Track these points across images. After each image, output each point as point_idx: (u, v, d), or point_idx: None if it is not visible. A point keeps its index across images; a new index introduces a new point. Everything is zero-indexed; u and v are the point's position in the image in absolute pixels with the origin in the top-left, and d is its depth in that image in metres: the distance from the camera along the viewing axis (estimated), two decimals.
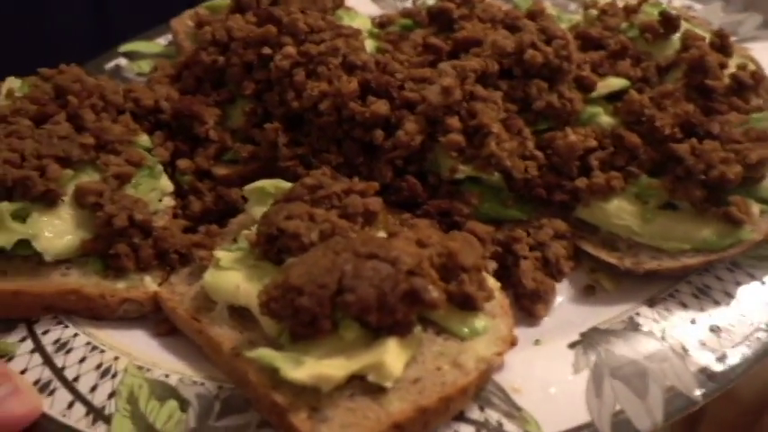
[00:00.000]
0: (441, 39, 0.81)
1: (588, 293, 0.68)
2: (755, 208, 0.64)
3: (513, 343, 0.60)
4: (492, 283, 0.63)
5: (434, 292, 0.55)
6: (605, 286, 0.68)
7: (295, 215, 0.61)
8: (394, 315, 0.54)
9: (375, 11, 0.98)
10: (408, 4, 0.98)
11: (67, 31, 1.30)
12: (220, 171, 0.76)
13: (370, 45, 0.84)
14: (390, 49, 0.82)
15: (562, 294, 0.68)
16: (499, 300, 0.62)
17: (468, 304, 0.59)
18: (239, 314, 0.62)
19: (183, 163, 0.75)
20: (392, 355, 0.54)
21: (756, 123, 0.68)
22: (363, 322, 0.55)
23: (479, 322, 0.59)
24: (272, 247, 0.62)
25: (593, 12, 0.86)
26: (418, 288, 0.55)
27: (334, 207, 0.63)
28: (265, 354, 0.54)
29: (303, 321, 0.55)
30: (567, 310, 0.67)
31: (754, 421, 1.80)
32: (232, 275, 0.62)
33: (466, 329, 0.59)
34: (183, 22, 0.90)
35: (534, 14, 0.86)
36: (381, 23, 0.92)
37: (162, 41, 0.95)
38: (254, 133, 0.76)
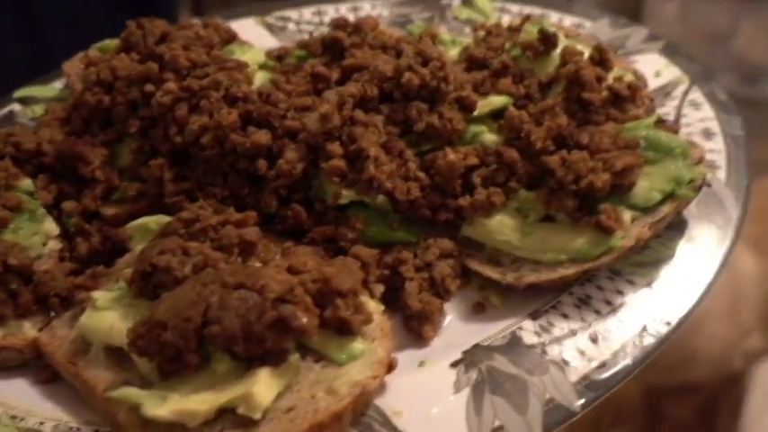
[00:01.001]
0: (333, 67, 0.82)
1: (478, 311, 0.68)
2: (627, 215, 0.65)
3: (391, 366, 0.60)
4: (372, 306, 0.63)
5: (303, 319, 0.55)
6: (494, 302, 0.68)
7: (167, 250, 0.61)
8: (263, 344, 0.54)
9: (274, 43, 0.99)
10: (307, 36, 0.99)
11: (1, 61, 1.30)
12: (108, 211, 0.75)
13: (262, 77, 0.85)
14: (282, 80, 0.83)
15: (452, 313, 0.68)
16: (379, 323, 0.62)
17: (344, 329, 0.59)
18: (117, 355, 0.61)
19: (68, 205, 0.74)
20: (262, 386, 0.54)
21: (628, 132, 0.70)
22: (234, 354, 0.54)
23: (357, 347, 0.59)
24: (147, 284, 0.61)
25: (481, 33, 0.88)
26: (286, 315, 0.54)
27: (211, 240, 0.63)
28: (129, 392, 0.53)
29: (169, 357, 0.54)
30: (456, 329, 0.67)
31: (711, 415, 1.85)
32: (108, 315, 0.61)
33: (343, 355, 0.58)
34: (75, 64, 0.89)
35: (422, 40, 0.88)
36: (279, 56, 0.93)
37: (58, 85, 0.94)
38: (142, 171, 0.75)
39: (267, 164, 0.71)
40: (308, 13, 1.04)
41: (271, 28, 1.01)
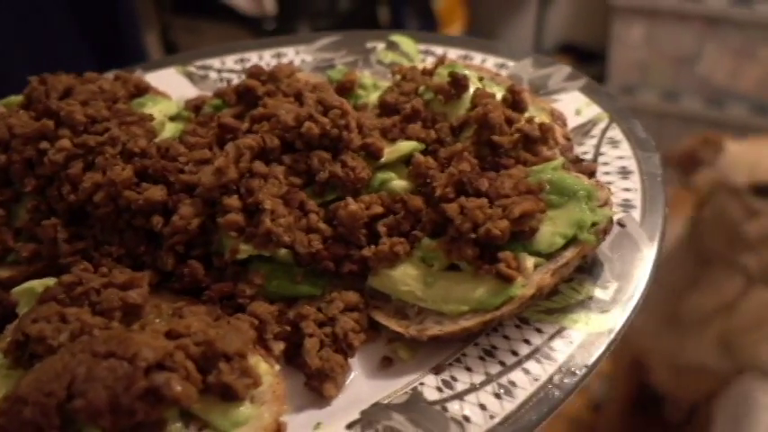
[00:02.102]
0: (247, 117, 0.80)
1: (385, 365, 0.65)
2: (530, 262, 0.63)
3: (279, 430, 0.57)
4: (263, 367, 0.60)
5: (177, 387, 0.52)
6: (402, 356, 0.65)
7: (42, 317, 0.58)
8: (133, 417, 0.51)
9: (194, 92, 0.97)
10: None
11: None
12: (3, 273, 0.72)
13: (173, 129, 0.83)
14: (192, 131, 0.80)
15: (358, 369, 0.66)
16: (271, 385, 0.59)
17: (228, 394, 0.56)
18: None
19: None
20: None
21: (536, 176, 0.68)
22: (105, 429, 0.51)
23: (243, 412, 0.56)
24: (23, 354, 0.58)
25: (398, 77, 0.87)
26: (157, 385, 0.51)
27: (93, 304, 0.60)
28: None
29: None
30: (361, 386, 0.64)
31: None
32: None
33: (226, 422, 0.55)
34: None
35: (342, 86, 0.86)
36: (196, 106, 0.91)
37: None
38: (37, 231, 0.72)
39: (163, 220, 0.68)
40: (230, 61, 1.02)
41: (191, 77, 1.00)
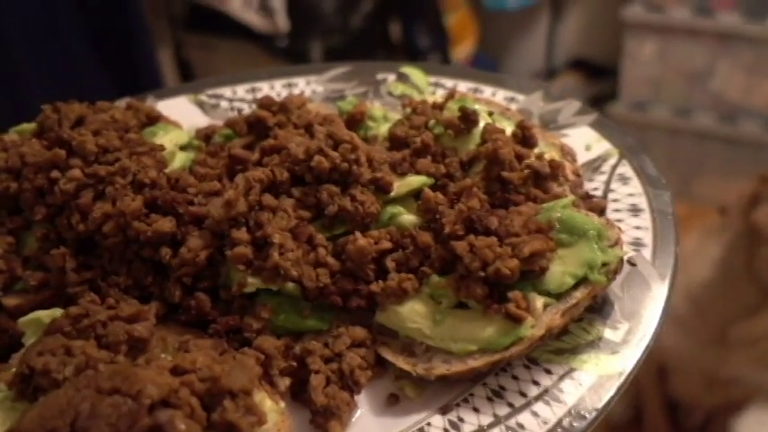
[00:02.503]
0: (257, 148, 0.80)
1: (392, 403, 0.65)
2: (539, 302, 0.62)
3: None
4: (269, 404, 0.59)
5: (181, 426, 0.51)
6: (408, 393, 0.65)
7: (47, 350, 0.57)
8: None
9: (205, 121, 0.97)
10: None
11: None
12: (10, 302, 0.72)
13: (183, 159, 0.83)
14: (203, 161, 0.81)
15: (365, 406, 0.65)
16: (276, 423, 0.58)
17: None
18: None
19: None
20: None
21: (546, 213, 0.68)
22: None
23: None
24: (28, 387, 0.58)
25: (408, 110, 0.87)
26: (162, 422, 0.51)
27: (98, 337, 0.59)
28: None
29: None
30: (367, 424, 0.63)
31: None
32: None
33: None
34: None
35: (352, 118, 0.87)
36: (206, 135, 0.91)
37: None
38: (46, 259, 0.72)
39: (171, 252, 0.68)
40: (241, 90, 1.02)
41: (203, 106, 1.00)
